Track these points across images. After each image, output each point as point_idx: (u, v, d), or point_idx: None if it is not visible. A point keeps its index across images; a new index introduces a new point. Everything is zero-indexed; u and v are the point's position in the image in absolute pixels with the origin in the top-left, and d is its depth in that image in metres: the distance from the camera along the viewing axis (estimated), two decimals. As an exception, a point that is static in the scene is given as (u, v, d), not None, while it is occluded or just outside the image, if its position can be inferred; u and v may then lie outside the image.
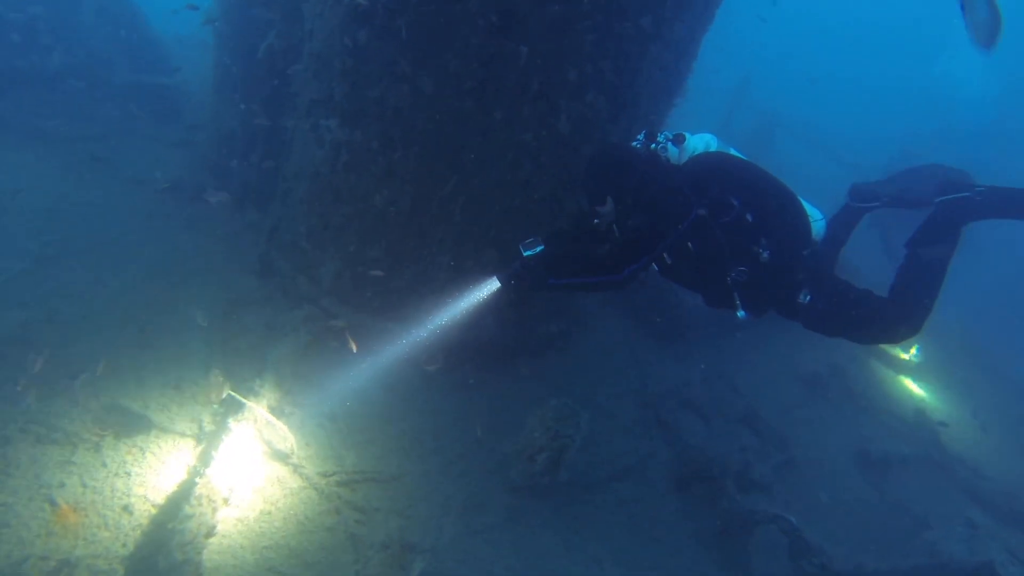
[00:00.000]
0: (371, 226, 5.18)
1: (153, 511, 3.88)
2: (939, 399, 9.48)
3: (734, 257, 3.90)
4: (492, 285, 4.03)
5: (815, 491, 6.73)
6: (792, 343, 8.61)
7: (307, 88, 5.23)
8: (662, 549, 5.45)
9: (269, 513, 4.24)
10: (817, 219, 4.18)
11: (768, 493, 6.25)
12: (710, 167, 4.05)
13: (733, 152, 4.26)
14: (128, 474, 4.03)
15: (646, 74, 5.02)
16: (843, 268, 8.55)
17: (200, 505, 3.85)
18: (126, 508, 3.83)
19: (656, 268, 4.09)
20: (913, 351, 9.99)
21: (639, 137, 4.30)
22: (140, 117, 8.19)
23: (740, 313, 3.99)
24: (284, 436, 4.59)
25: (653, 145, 4.24)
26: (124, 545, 3.64)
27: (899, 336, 4.09)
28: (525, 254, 3.95)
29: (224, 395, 4.42)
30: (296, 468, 4.59)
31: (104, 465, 4.01)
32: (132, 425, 4.34)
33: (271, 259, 6.10)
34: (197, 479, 4.00)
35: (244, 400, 4.51)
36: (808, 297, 4.00)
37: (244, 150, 6.97)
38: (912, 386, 9.55)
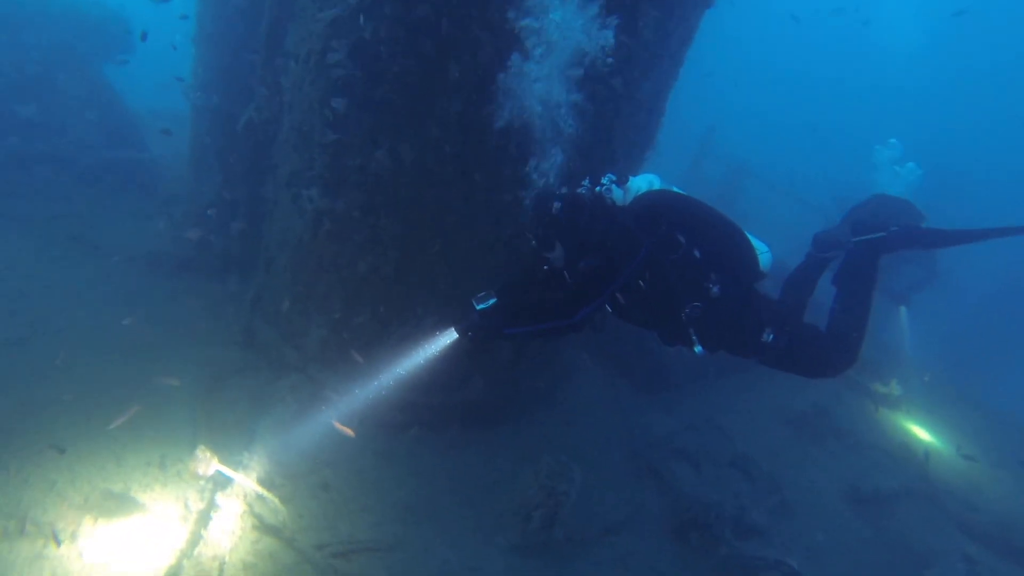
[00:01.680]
0: (356, 292, 5.20)
1: (142, 598, 3.75)
2: (925, 429, 9.61)
3: (686, 293, 3.96)
4: (449, 337, 4.04)
5: (811, 532, 6.70)
6: (777, 385, 8.69)
7: (287, 159, 5.32)
8: (662, 602, 5.37)
9: (262, 593, 4.11)
10: (763, 251, 4.25)
11: (765, 537, 6.21)
12: (655, 205, 4.13)
13: (676, 190, 4.35)
14: (108, 563, 3.89)
15: (619, 132, 5.20)
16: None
17: (191, 589, 3.73)
18: (115, 597, 3.69)
19: (610, 309, 4.12)
20: (893, 384, 10.15)
21: (584, 183, 4.36)
22: (116, 193, 8.19)
23: (697, 349, 4.02)
24: (275, 509, 4.49)
25: (598, 188, 4.30)
26: (114, 638, 3.50)
27: (838, 368, 4.21)
28: (478, 308, 3.96)
29: (211, 470, 4.32)
30: (289, 541, 4.47)
31: (81, 555, 3.87)
32: (113, 508, 4.21)
33: (255, 329, 6.08)
34: (184, 561, 3.88)
35: (233, 474, 4.42)
36: (771, 336, 4.06)
37: (223, 222, 7.00)
38: (900, 420, 9.67)
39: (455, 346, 4.08)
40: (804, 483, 7.52)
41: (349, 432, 4.76)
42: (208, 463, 4.28)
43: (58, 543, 3.84)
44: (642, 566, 5.61)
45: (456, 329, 3.99)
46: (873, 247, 4.32)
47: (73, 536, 3.92)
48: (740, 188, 16.13)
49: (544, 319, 3.91)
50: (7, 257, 6.46)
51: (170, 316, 6.43)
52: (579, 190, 4.34)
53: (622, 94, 4.98)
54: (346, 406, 4.77)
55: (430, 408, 5.31)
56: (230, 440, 5.03)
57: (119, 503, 4.20)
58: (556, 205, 4.13)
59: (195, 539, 4.04)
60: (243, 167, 6.51)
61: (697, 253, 4.01)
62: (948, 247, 4.35)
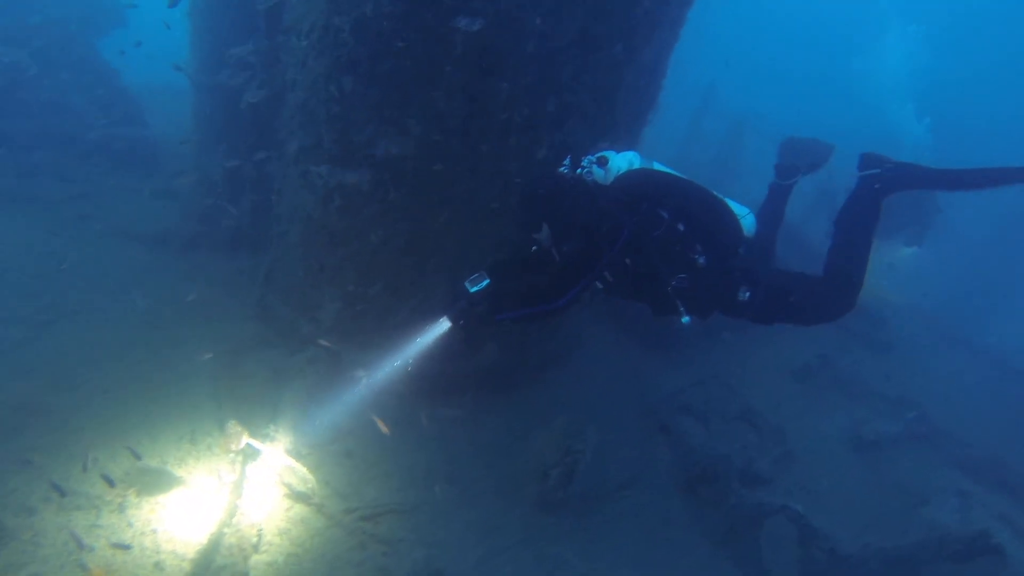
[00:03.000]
0: (368, 264, 5.30)
1: (184, 565, 3.96)
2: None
3: (672, 266, 4.06)
4: (443, 326, 4.10)
5: (815, 478, 6.96)
6: (781, 339, 8.88)
7: (294, 136, 5.36)
8: (676, 550, 5.62)
9: (297, 555, 4.33)
10: (744, 215, 4.35)
11: (771, 486, 6.46)
12: (636, 183, 4.21)
13: (657, 166, 4.42)
14: (155, 531, 4.10)
15: (622, 99, 5.24)
16: (800, 246, 8.94)
17: (232, 554, 3.94)
18: (157, 565, 3.90)
19: (600, 287, 4.21)
20: None
21: (565, 163, 4.42)
22: (119, 171, 8.22)
23: (684, 319, 4.12)
24: (304, 478, 4.69)
25: (579, 169, 4.36)
26: (162, 601, 3.72)
27: (837, 313, 4.30)
28: (471, 290, 4.03)
29: (243, 444, 4.50)
30: (319, 507, 4.68)
31: (130, 525, 4.08)
32: (152, 482, 4.41)
33: (268, 303, 6.19)
34: (225, 529, 4.08)
35: (262, 446, 4.60)
36: (747, 294, 4.18)
37: (230, 197, 7.06)
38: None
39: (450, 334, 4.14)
40: (808, 432, 7.76)
41: (384, 429, 4.90)
42: (239, 437, 4.45)
43: (111, 484, 4.06)
44: (654, 519, 5.86)
45: (448, 318, 4.06)
46: (876, 187, 4.34)
47: (121, 508, 4.11)
48: (740, 143, 16.07)
49: (531, 304, 3.99)
50: (22, 239, 6.54)
51: (182, 293, 6.54)
52: (560, 169, 4.40)
53: (624, 61, 5.00)
54: (365, 381, 4.91)
55: (445, 376, 5.45)
56: (253, 413, 5.20)
57: (157, 477, 4.38)
58: (541, 188, 4.21)
59: (232, 508, 4.23)
60: (247, 144, 6.55)
61: (681, 226, 4.11)
62: (957, 190, 4.33)
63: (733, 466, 6.09)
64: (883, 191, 4.32)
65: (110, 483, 4.10)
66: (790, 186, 4.92)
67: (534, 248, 4.43)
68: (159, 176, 8.67)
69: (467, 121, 4.78)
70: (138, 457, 4.22)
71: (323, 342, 5.39)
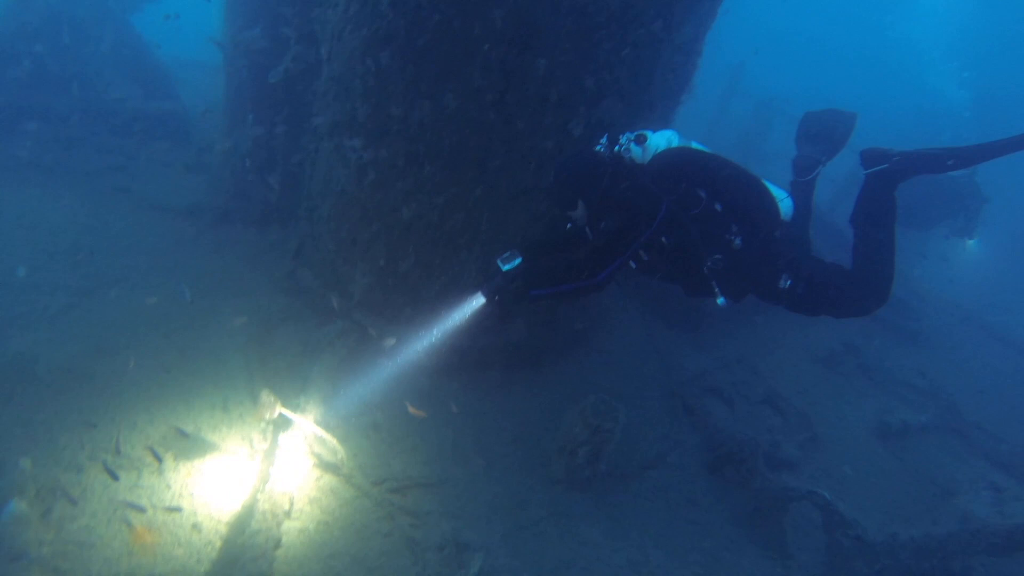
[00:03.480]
0: (400, 239, 5.32)
1: (220, 528, 4.05)
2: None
3: (708, 247, 4.04)
4: (477, 301, 4.12)
5: (839, 465, 6.92)
6: (805, 324, 8.78)
7: (328, 109, 5.37)
8: (699, 531, 5.63)
9: (327, 523, 4.41)
10: (783, 199, 4.32)
11: (795, 470, 6.44)
12: (675, 162, 4.17)
13: (695, 145, 4.38)
14: (192, 494, 4.19)
15: (659, 77, 5.18)
16: (832, 233, 8.80)
17: (265, 520, 4.02)
18: (195, 527, 4.00)
19: (633, 265, 4.20)
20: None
21: (602, 141, 4.39)
22: (151, 144, 8.31)
23: (720, 300, 4.12)
24: (334, 448, 4.75)
25: (616, 147, 4.34)
26: (199, 561, 3.81)
27: (869, 308, 4.25)
28: (504, 268, 4.04)
29: (276, 414, 4.57)
30: (348, 478, 4.76)
31: (169, 487, 4.18)
32: (188, 447, 4.51)
33: (299, 277, 6.25)
34: (258, 495, 4.16)
35: (294, 417, 4.67)
36: (788, 282, 4.14)
37: (261, 171, 7.11)
38: None
39: (484, 310, 4.17)
40: (833, 419, 7.70)
41: (419, 413, 4.94)
42: (273, 407, 4.52)
43: (159, 459, 4.17)
44: (679, 498, 5.88)
45: (483, 293, 4.08)
46: (884, 180, 4.26)
47: (160, 470, 4.21)
48: (767, 126, 15.81)
49: (567, 280, 3.99)
50: (64, 210, 6.66)
51: (215, 266, 6.63)
52: (597, 148, 4.38)
53: (662, 38, 4.93)
54: (395, 355, 4.94)
55: (474, 351, 5.48)
56: (284, 384, 5.28)
57: (193, 442, 4.48)
58: (578, 166, 4.19)
59: (265, 475, 4.31)
60: (280, 117, 6.57)
61: (718, 206, 4.08)
62: (965, 166, 4.18)
63: (759, 449, 6.08)
64: (893, 183, 4.24)
65: (157, 458, 4.20)
66: (812, 180, 4.81)
67: (568, 227, 4.43)
68: (191, 149, 8.75)
69: (503, 97, 4.75)
70: (184, 435, 4.30)
71: (355, 316, 5.44)
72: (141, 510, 3.92)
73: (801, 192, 4.77)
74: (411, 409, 4.97)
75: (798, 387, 7.99)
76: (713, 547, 5.52)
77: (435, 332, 4.32)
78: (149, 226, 6.86)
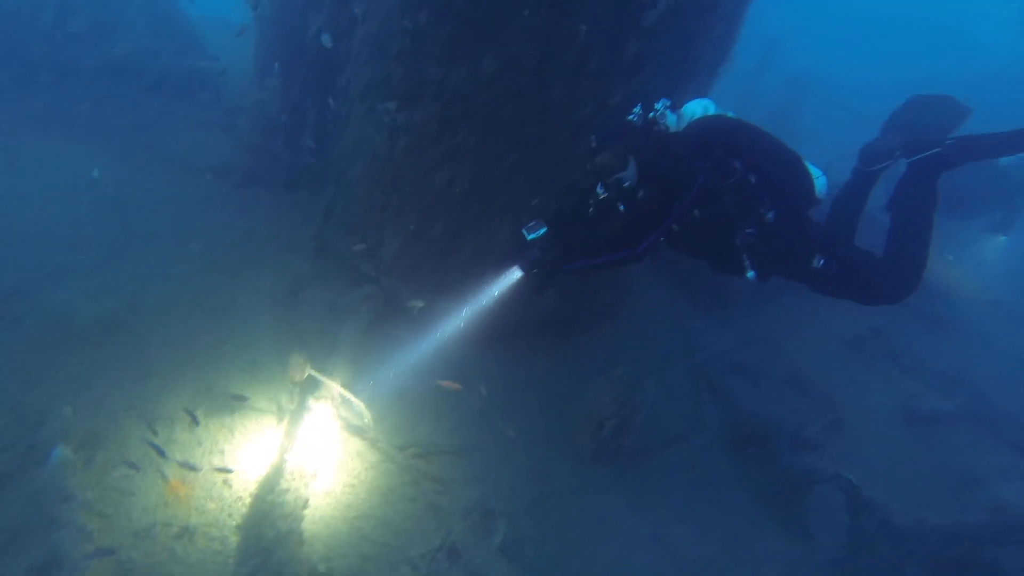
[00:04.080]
0: (431, 205, 5.27)
1: (250, 486, 4.08)
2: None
3: (740, 219, 3.92)
4: (513, 275, 4.03)
5: (863, 449, 6.85)
6: (832, 307, 8.63)
7: (361, 72, 5.30)
8: (721, 508, 5.63)
9: (353, 485, 4.44)
10: (818, 176, 4.16)
11: (818, 452, 6.37)
12: (711, 130, 4.04)
13: (731, 115, 4.23)
14: (222, 452, 4.23)
15: (700, 47, 5.04)
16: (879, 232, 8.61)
17: (293, 479, 4.04)
18: (226, 482, 4.03)
19: (663, 239, 4.05)
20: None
21: (635, 110, 4.22)
22: (180, 102, 8.29)
23: (750, 274, 3.99)
24: (361, 412, 4.76)
25: (652, 114, 4.19)
26: (230, 516, 3.86)
27: (898, 297, 4.12)
28: (529, 237, 3.97)
29: (306, 375, 4.58)
30: (373, 442, 4.78)
31: (200, 443, 4.22)
32: (218, 405, 4.53)
33: (326, 239, 6.23)
34: (286, 455, 4.19)
35: (323, 379, 4.68)
36: (822, 262, 4.03)
37: (290, 133, 7.06)
38: None
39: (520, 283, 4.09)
40: (858, 403, 7.60)
41: (456, 386, 4.90)
42: (303, 369, 4.53)
43: (196, 421, 4.20)
44: (701, 475, 5.87)
45: (520, 267, 3.98)
46: (930, 167, 4.12)
47: (191, 426, 4.25)
48: (799, 105, 15.42)
49: (606, 252, 3.90)
50: (99, 166, 6.68)
51: (243, 227, 6.62)
52: (630, 118, 4.22)
53: (707, 7, 4.79)
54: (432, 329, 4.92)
55: (502, 322, 5.44)
56: (310, 347, 5.28)
57: (222, 400, 4.51)
58: (618, 128, 4.06)
59: (293, 436, 4.33)
60: (311, 78, 6.50)
61: (752, 179, 3.95)
62: (1016, 153, 4.04)
63: (784, 430, 6.03)
64: (939, 171, 4.09)
65: (195, 420, 4.23)
66: (875, 172, 4.56)
67: (601, 196, 4.30)
68: (220, 108, 8.71)
69: (541, 63, 4.65)
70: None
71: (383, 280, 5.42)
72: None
73: (860, 181, 4.58)
74: (444, 383, 4.93)
75: (823, 369, 7.88)
76: (734, 525, 5.51)
77: (471, 306, 4.27)
78: (179, 184, 6.86)
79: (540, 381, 5.81)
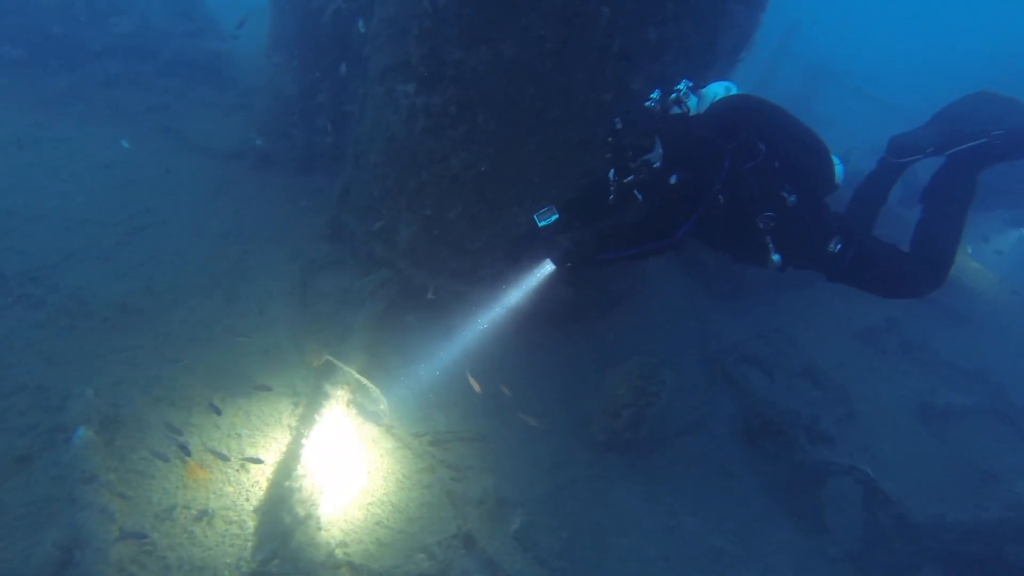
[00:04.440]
0: (448, 189, 5.21)
1: (267, 470, 4.08)
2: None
3: (762, 202, 3.82)
4: (546, 269, 3.99)
5: (877, 443, 6.79)
6: (846, 298, 8.55)
7: (380, 53, 5.23)
8: (734, 500, 5.60)
9: (369, 472, 4.43)
10: (836, 164, 4.07)
11: (833, 445, 6.32)
12: (735, 109, 3.94)
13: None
14: (239, 435, 4.23)
15: (724, 32, 4.94)
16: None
17: (310, 466, 4.04)
18: (243, 466, 4.03)
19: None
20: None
21: (652, 96, 4.13)
22: (196, 84, 8.24)
23: (775, 257, 3.87)
24: (376, 398, 4.74)
25: (673, 95, 4.09)
26: (247, 499, 3.86)
27: (922, 291, 4.03)
28: (540, 224, 3.95)
29: (323, 361, 4.56)
30: (389, 429, 4.76)
31: (217, 427, 4.22)
32: (235, 389, 4.53)
33: (342, 223, 6.19)
34: (303, 440, 4.18)
35: (339, 364, 4.66)
36: (839, 246, 3.92)
37: (306, 115, 7.00)
38: None
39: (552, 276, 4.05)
40: (872, 396, 7.53)
41: (477, 388, 4.85)
42: (321, 354, 4.51)
43: (217, 412, 4.20)
44: (714, 466, 5.83)
45: (552, 260, 3.94)
46: (972, 159, 3.99)
47: (208, 410, 4.25)
48: (816, 93, 15.16)
49: (642, 241, 3.81)
50: (114, 147, 6.67)
51: (258, 210, 6.60)
52: (648, 103, 4.12)
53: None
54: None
55: (522, 311, 5.40)
56: (325, 332, 5.27)
57: (240, 384, 4.50)
58: (639, 111, 3.97)
59: (309, 420, 4.33)
60: (329, 60, 6.43)
61: (776, 162, 3.86)
62: None
63: (799, 421, 5.98)
64: (981, 164, 3.97)
65: (216, 411, 4.23)
66: (901, 165, 4.43)
67: (627, 181, 4.21)
68: (235, 91, 8.66)
69: (563, 46, 4.57)
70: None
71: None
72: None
73: (884, 172, 4.46)
74: (472, 381, 4.88)
75: (837, 361, 7.80)
76: (747, 517, 5.48)
77: (503, 302, 4.25)
78: (194, 167, 6.84)
79: (555, 369, 5.77)
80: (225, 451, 4.06)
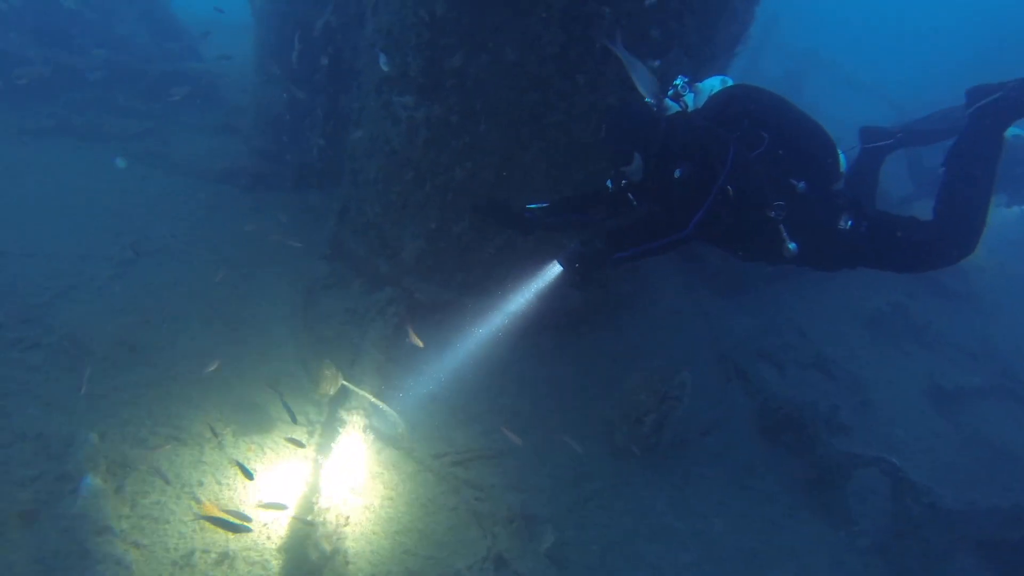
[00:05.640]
0: (453, 200, 5.09)
1: (287, 504, 3.92)
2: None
3: (770, 191, 3.72)
4: (554, 271, 3.92)
5: (893, 430, 6.74)
6: (849, 285, 8.53)
7: (375, 65, 5.08)
8: (758, 498, 5.50)
9: (392, 498, 4.29)
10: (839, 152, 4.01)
11: (850, 435, 6.25)
12: (736, 99, 3.88)
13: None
14: (254, 470, 4.06)
15: (724, 27, 4.86)
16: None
17: (332, 497, 3.89)
18: (261, 503, 3.87)
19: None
20: None
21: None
22: (180, 106, 8.04)
23: (791, 245, 3.72)
24: (394, 421, 4.60)
25: (671, 90, 4.05)
26: (268, 538, 3.71)
27: (951, 258, 3.79)
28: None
29: (338, 386, 4.41)
30: (409, 452, 4.62)
31: (232, 462, 4.05)
32: (246, 422, 4.37)
33: (342, 241, 6.04)
34: (322, 471, 4.03)
35: (353, 388, 4.51)
36: (850, 222, 3.77)
37: (296, 133, 6.85)
38: None
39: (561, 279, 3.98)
40: (884, 382, 7.49)
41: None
42: (334, 380, 4.36)
43: (219, 437, 4.04)
44: (736, 464, 5.73)
45: (560, 261, 3.86)
46: (993, 113, 3.77)
47: (220, 445, 4.08)
48: (801, 84, 15.12)
49: (654, 238, 3.72)
50: (102, 175, 6.47)
51: (253, 232, 6.42)
52: (647, 100, 4.05)
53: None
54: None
55: (531, 317, 5.28)
56: (332, 354, 5.11)
57: (250, 416, 4.34)
58: (631, 116, 3.89)
59: (326, 450, 4.17)
60: (320, 74, 6.28)
61: (780, 150, 3.77)
62: None
63: (819, 414, 5.90)
64: (1005, 120, 3.76)
65: (221, 445, 4.07)
66: (879, 150, 4.47)
67: (610, 185, 4.13)
68: (219, 111, 8.47)
69: (564, 49, 4.46)
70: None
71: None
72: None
73: (866, 159, 4.48)
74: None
75: (846, 350, 7.77)
76: (773, 514, 5.39)
77: (509, 307, 4.15)
78: (184, 192, 6.65)
79: (568, 377, 5.65)
80: (241, 487, 3.90)
